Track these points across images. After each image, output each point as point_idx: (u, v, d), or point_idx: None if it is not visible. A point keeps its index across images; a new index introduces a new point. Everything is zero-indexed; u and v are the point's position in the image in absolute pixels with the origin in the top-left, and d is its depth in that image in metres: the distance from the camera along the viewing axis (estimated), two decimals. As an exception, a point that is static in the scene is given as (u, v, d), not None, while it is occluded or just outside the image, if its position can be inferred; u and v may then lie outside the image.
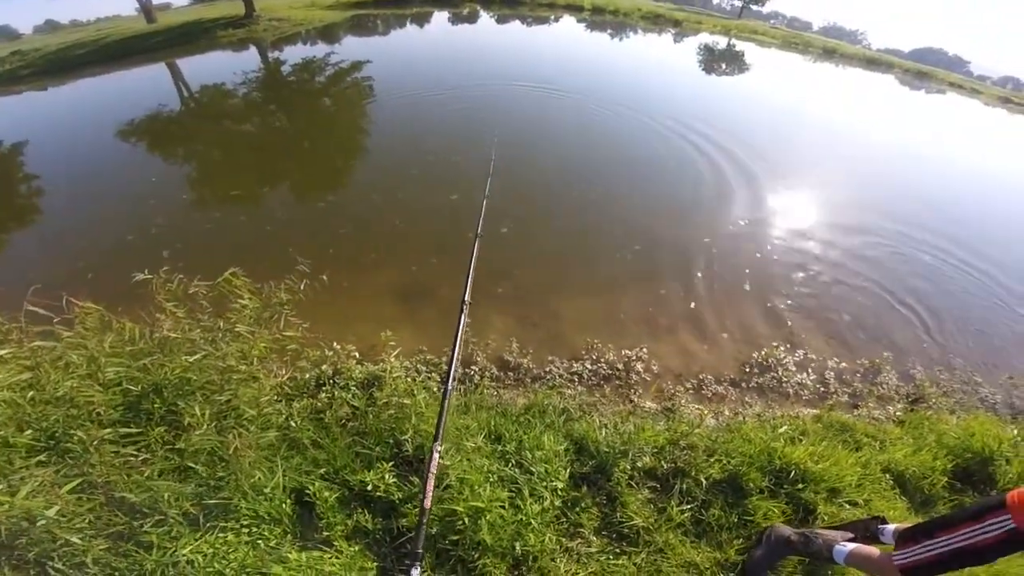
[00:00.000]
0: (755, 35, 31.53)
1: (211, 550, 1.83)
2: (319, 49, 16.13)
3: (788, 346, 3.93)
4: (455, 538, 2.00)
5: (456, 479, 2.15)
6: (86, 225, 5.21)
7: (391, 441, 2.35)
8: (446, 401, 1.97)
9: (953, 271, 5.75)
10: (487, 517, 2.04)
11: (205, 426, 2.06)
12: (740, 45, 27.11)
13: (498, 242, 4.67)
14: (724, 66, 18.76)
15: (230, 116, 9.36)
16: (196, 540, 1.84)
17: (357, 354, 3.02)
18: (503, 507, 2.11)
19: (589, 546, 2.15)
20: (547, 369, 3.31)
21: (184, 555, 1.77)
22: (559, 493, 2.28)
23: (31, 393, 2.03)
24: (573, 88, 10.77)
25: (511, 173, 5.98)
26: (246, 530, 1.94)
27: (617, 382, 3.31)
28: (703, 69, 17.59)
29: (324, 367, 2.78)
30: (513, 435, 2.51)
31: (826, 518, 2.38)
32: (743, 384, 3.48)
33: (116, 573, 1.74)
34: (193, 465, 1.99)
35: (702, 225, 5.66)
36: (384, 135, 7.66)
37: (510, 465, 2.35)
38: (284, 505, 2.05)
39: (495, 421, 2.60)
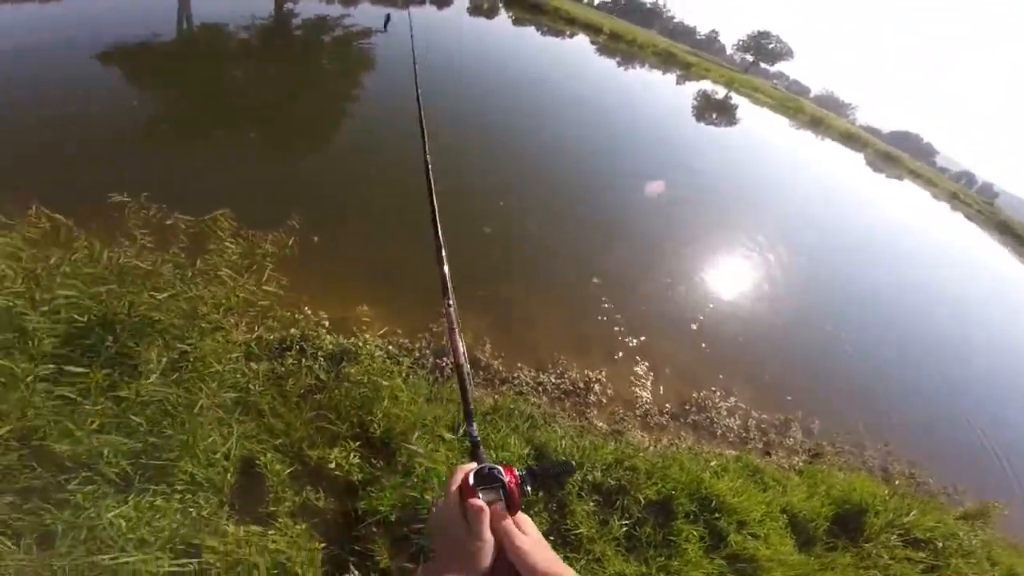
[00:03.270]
0: (754, 92, 33.17)
1: (135, 514, 1.66)
2: (334, 9, 15.67)
3: (723, 392, 4.38)
4: (419, 526, 2.05)
5: (423, 469, 2.20)
6: (51, 138, 4.75)
7: (356, 420, 2.33)
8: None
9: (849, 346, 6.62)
10: None
11: (156, 374, 1.90)
12: (737, 98, 28.28)
13: (480, 242, 4.81)
14: (714, 115, 19.53)
15: (227, 58, 8.86)
16: (123, 504, 1.67)
17: (328, 323, 2.92)
18: None
19: None
20: (515, 375, 3.43)
21: (108, 519, 1.59)
22: None
23: None
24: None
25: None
26: (178, 495, 1.78)
27: (576, 399, 3.54)
28: (694, 114, 18.26)
29: (292, 331, 2.66)
30: (479, 432, 2.51)
31: (734, 545, 2.72)
32: (681, 419, 3.88)
33: (19, 523, 1.53)
34: (135, 418, 1.80)
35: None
36: (382, 108, 7.38)
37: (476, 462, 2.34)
38: (228, 473, 1.93)
39: (461, 416, 2.59)
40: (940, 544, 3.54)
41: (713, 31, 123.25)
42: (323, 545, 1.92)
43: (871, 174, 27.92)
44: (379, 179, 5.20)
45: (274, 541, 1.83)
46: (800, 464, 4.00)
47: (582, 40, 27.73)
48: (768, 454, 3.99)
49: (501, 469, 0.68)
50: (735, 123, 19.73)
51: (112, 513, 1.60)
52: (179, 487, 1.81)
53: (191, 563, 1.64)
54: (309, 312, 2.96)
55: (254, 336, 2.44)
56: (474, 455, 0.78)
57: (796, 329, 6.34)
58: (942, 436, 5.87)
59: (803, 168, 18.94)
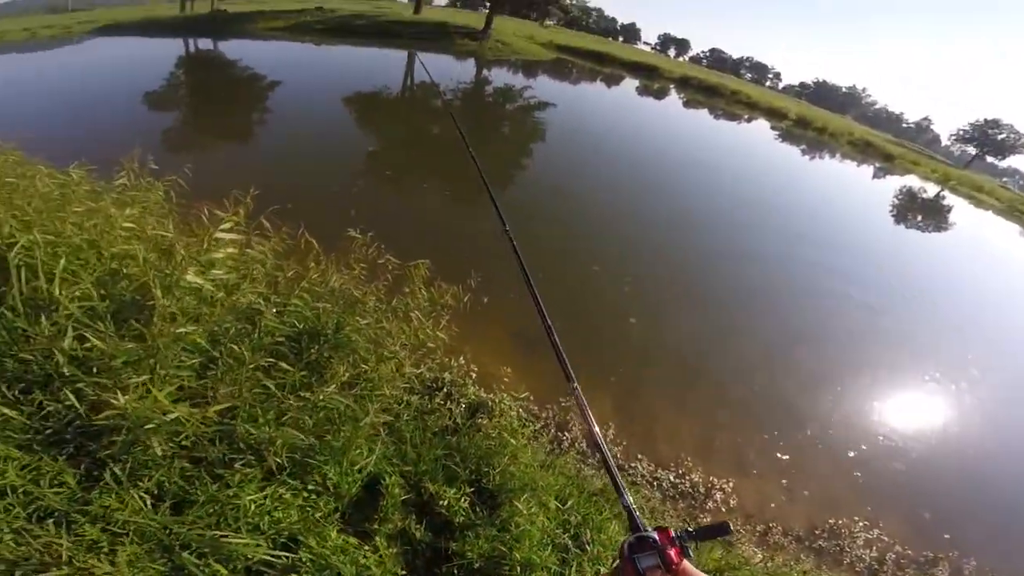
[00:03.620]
0: (976, 192, 27.32)
1: (266, 503, 1.86)
2: (519, 79, 17.68)
3: (866, 523, 3.86)
4: None
5: (516, 527, 2.26)
6: (296, 164, 6.05)
7: (475, 467, 2.50)
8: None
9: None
10: (536, 573, 2.14)
11: (334, 385, 2.21)
12: (952, 199, 23.64)
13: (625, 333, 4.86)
14: (919, 217, 16.50)
15: (432, 115, 10.55)
16: (260, 491, 1.88)
17: (475, 374, 3.12)
18: (551, 568, 2.21)
19: None
20: (632, 465, 3.42)
21: (245, 502, 1.79)
22: None
23: (220, 294, 2.27)
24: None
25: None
26: (305, 494, 1.99)
27: (692, 501, 3.41)
28: (892, 213, 15.68)
29: (446, 375, 2.89)
30: (581, 508, 2.61)
31: None
32: (806, 542, 3.52)
33: (174, 487, 1.76)
34: (308, 417, 2.09)
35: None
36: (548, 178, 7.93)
37: (568, 534, 2.44)
38: (355, 486, 2.14)
39: (570, 489, 2.72)
40: None
41: (925, 119, 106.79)
42: (405, 573, 2.02)
43: None
44: (548, 252, 5.62)
45: (365, 556, 1.93)
46: None
47: (762, 126, 25.90)
48: None
49: (655, 535, 0.74)
50: (946, 228, 16.47)
51: (249, 497, 1.81)
52: (311, 486, 2.02)
53: (286, 556, 1.76)
54: (463, 362, 3.20)
55: (419, 372, 2.67)
56: (631, 525, 0.83)
57: (981, 471, 5.19)
58: None
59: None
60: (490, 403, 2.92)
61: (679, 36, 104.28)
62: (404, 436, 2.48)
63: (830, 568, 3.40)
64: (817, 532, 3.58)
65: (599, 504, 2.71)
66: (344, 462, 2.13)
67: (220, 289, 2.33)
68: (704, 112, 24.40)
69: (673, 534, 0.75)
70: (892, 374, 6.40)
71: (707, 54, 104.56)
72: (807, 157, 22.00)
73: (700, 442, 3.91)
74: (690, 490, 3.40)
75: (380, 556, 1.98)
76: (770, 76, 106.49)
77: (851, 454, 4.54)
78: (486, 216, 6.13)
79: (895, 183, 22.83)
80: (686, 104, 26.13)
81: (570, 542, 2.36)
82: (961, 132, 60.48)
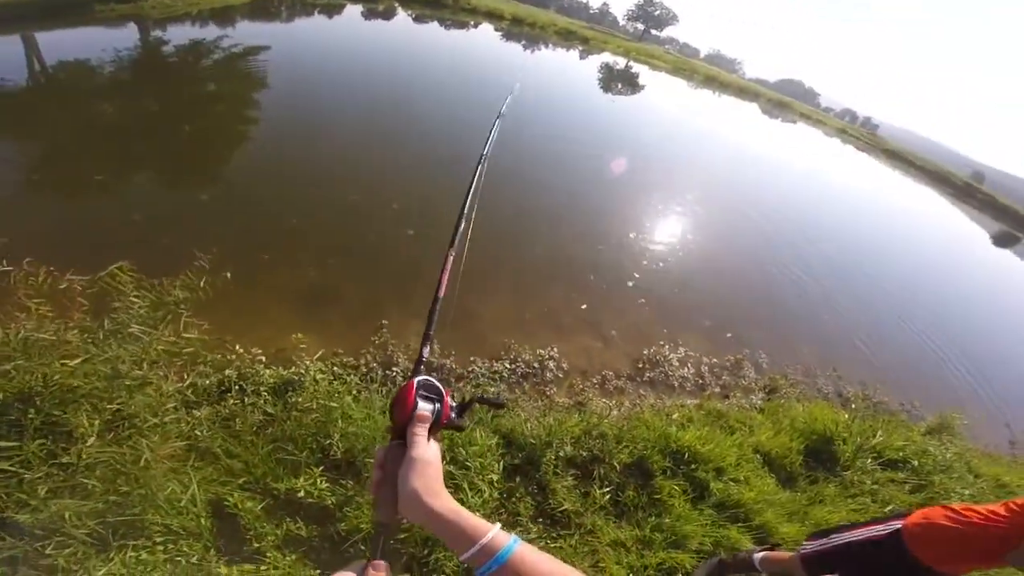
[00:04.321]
0: (651, 59, 34.90)
1: (125, 571, 1.67)
2: (210, 31, 14.53)
3: (671, 344, 4.53)
4: (403, 536, 2.05)
5: None
6: None
7: (315, 446, 2.29)
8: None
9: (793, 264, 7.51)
10: None
11: (93, 437, 1.84)
12: (636, 67, 29.41)
13: (406, 244, 4.75)
14: (620, 86, 20.30)
15: (93, 95, 8.02)
16: (108, 562, 1.67)
17: (263, 358, 2.80)
18: None
19: (529, 533, 2.32)
20: (470, 369, 3.42)
21: None
22: (495, 485, 2.42)
23: None
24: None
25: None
26: (161, 547, 1.79)
27: (534, 379, 3.57)
28: (601, 87, 18.87)
29: (227, 372, 2.53)
30: (444, 432, 2.48)
31: (717, 494, 2.79)
32: (637, 379, 3.97)
33: None
34: (86, 481, 1.78)
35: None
36: (277, 127, 7.09)
37: (446, 461, 2.42)
38: (201, 518, 1.92)
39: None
40: (916, 463, 3.61)
41: (604, 4, 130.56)
42: (318, 571, 1.91)
43: (768, 120, 30.35)
44: (282, 200, 5.01)
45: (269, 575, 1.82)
46: (759, 402, 4.12)
47: (487, 29, 28.14)
48: (727, 397, 4.13)
49: (443, 389, 0.73)
50: (640, 90, 20.53)
51: (101, 572, 1.63)
52: (158, 539, 1.80)
53: None
54: (241, 350, 2.83)
55: (187, 384, 2.30)
56: (416, 371, 0.78)
57: (726, 270, 6.70)
58: (885, 350, 6.33)
59: (708, 125, 20.07)
60: (296, 378, 2.64)
61: None
62: (215, 452, 2.15)
63: (667, 395, 3.86)
64: (640, 366, 4.05)
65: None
66: (161, 504, 1.83)
67: None
68: (435, 25, 24.56)
69: (450, 401, 0.73)
70: (641, 207, 7.80)
71: None
72: (529, 51, 24.36)
73: (515, 323, 4.10)
74: (527, 369, 3.57)
75: (282, 569, 1.85)
76: None
77: (629, 284, 5.27)
78: (204, 186, 5.14)
79: (595, 60, 27.02)
80: (416, 19, 25.66)
81: (451, 467, 2.36)
82: (630, 12, 77.58)
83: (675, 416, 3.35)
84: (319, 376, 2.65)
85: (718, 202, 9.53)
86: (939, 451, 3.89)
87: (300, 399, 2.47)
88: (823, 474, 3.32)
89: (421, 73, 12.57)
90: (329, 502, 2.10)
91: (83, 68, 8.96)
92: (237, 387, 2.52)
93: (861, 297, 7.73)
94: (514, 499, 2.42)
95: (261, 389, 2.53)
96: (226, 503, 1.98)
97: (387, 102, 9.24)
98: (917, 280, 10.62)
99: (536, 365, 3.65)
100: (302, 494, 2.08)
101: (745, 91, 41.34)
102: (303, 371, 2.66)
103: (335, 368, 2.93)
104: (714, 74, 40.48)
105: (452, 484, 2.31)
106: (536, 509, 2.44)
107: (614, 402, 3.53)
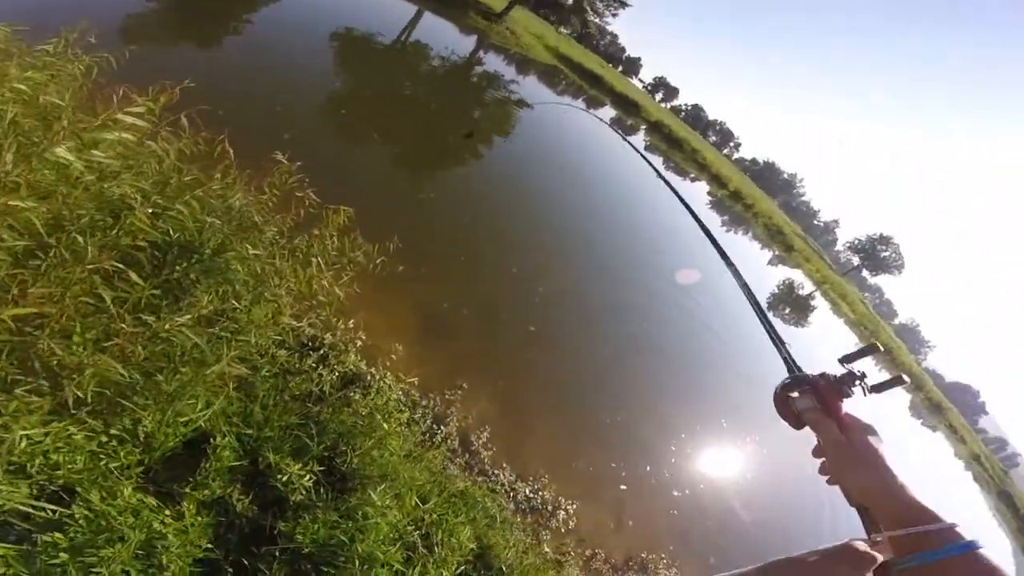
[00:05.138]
0: (841, 299, 31.70)
1: (46, 439, 1.56)
2: (510, 71, 17.32)
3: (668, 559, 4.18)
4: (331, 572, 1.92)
5: (364, 517, 2.11)
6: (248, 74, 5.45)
7: (331, 443, 2.29)
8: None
9: None
10: (375, 569, 1.99)
11: (190, 316, 1.84)
12: (819, 300, 27.18)
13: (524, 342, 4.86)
14: (787, 309, 18.71)
15: (409, 74, 10.00)
16: (43, 424, 1.57)
17: (360, 342, 2.85)
18: (393, 567, 2.09)
19: None
20: (496, 472, 3.39)
21: (16, 436, 1.46)
22: None
23: (90, 177, 1.84)
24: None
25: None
26: (106, 437, 1.70)
27: (539, 516, 3.48)
28: (768, 302, 17.60)
29: (328, 336, 2.63)
30: (439, 508, 2.56)
31: None
32: (621, 572, 3.75)
33: None
34: (139, 348, 1.73)
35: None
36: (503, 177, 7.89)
37: (419, 533, 2.35)
38: (174, 439, 1.84)
39: (432, 487, 2.64)
40: None
41: (835, 221, 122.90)
42: (210, 546, 1.77)
43: (908, 418, 25.74)
44: (473, 233, 5.63)
45: (163, 522, 1.67)
46: None
47: (702, 188, 28.53)
48: None
49: (808, 374, 0.71)
50: (804, 326, 18.76)
51: (23, 431, 1.48)
52: (114, 431, 1.71)
53: (50, 509, 1.48)
54: (352, 326, 2.95)
55: (298, 325, 2.41)
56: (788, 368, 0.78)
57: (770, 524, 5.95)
58: None
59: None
60: (369, 377, 2.71)
61: (673, 83, 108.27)
62: (256, 393, 2.20)
63: None
64: (630, 563, 3.86)
65: (457, 506, 2.66)
66: (168, 411, 1.80)
67: (93, 172, 1.90)
68: (658, 159, 25.85)
69: (833, 377, 0.69)
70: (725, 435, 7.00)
71: (688, 107, 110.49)
72: (724, 228, 24.20)
73: (560, 461, 4.06)
74: (540, 506, 3.50)
75: (183, 524, 1.72)
76: (731, 144, 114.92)
77: (675, 493, 4.96)
78: (429, 187, 5.88)
79: (783, 272, 25.68)
80: (646, 147, 27.39)
81: (420, 541, 2.26)
82: (856, 242, 65.47)
83: None
84: (390, 392, 2.63)
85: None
86: None
87: (359, 398, 2.47)
88: None
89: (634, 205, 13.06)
90: (295, 499, 2.02)
91: (423, 53, 11.31)
92: (322, 353, 2.68)
93: None
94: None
95: (337, 367, 2.62)
96: (211, 440, 1.94)
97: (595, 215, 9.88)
98: None
99: (550, 507, 3.57)
100: (284, 476, 2.03)
101: (915, 377, 35.86)
102: (379, 377, 2.68)
103: (401, 393, 3.05)
104: (894, 347, 35.97)
105: (409, 555, 2.19)
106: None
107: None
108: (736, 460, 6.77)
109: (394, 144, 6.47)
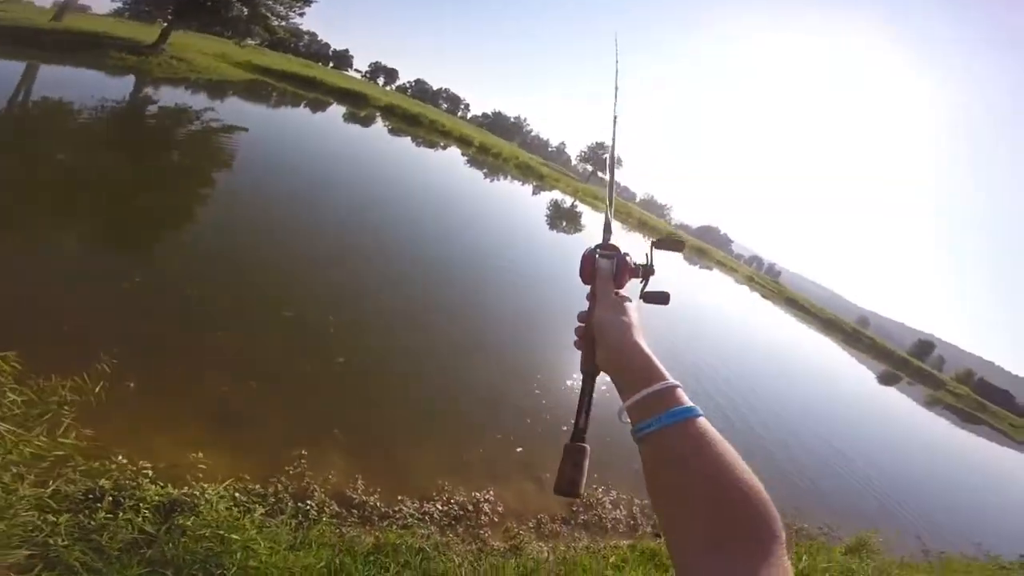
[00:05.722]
0: (594, 199, 38.51)
1: None
2: (199, 100, 14.75)
3: (604, 487, 4.45)
4: None
5: None
6: None
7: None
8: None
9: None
10: None
11: None
12: (581, 207, 32.44)
13: (333, 376, 4.33)
14: (564, 223, 22.08)
15: (56, 138, 7.60)
16: None
17: (151, 472, 2.41)
18: None
19: None
20: (396, 508, 3.12)
21: None
22: None
23: None
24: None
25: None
26: None
27: (467, 521, 3.35)
28: (548, 224, 20.24)
29: (103, 482, 2.10)
30: (359, 570, 2.31)
31: None
32: (572, 522, 3.87)
33: None
34: None
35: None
36: (228, 218, 6.70)
37: None
38: None
39: (340, 559, 2.36)
40: None
41: (562, 143, 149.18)
42: None
43: (687, 266, 34.01)
44: (212, 303, 4.55)
45: None
46: None
47: (454, 152, 30.34)
48: (658, 536, 4.07)
49: (618, 247, 0.78)
50: (581, 229, 22.19)
51: None
52: None
53: None
54: (124, 461, 2.41)
55: (47, 491, 1.86)
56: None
57: None
58: (800, 478, 6.76)
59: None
60: (188, 499, 2.23)
61: (389, 65, 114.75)
62: (72, 564, 1.77)
63: (601, 536, 3.77)
64: (575, 509, 3.97)
65: (381, 562, 2.43)
66: None
67: None
68: (407, 140, 26.23)
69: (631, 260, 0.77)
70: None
71: (412, 84, 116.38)
72: (488, 180, 26.74)
73: (449, 464, 3.92)
74: (460, 512, 3.39)
75: None
76: (462, 106, 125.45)
77: (564, 428, 5.05)
78: (143, 264, 4.68)
79: (545, 197, 29.75)
80: (391, 131, 27.37)
81: None
82: (581, 153, 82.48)
83: (611, 559, 3.31)
84: (218, 501, 2.22)
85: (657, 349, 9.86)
86: (861, 568, 4.07)
87: (190, 523, 2.08)
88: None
89: (384, 190, 12.52)
90: None
91: (61, 109, 8.64)
92: (111, 499, 2.16)
93: (771, 426, 8.34)
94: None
95: (141, 506, 2.18)
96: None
97: (342, 212, 9.00)
98: (819, 416, 11.57)
99: (471, 508, 3.47)
100: None
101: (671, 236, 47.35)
102: (198, 493, 2.24)
103: (237, 494, 2.58)
104: (646, 219, 46.30)
105: None
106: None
107: (550, 546, 3.41)
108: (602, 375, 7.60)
109: (67, 230, 4.83)
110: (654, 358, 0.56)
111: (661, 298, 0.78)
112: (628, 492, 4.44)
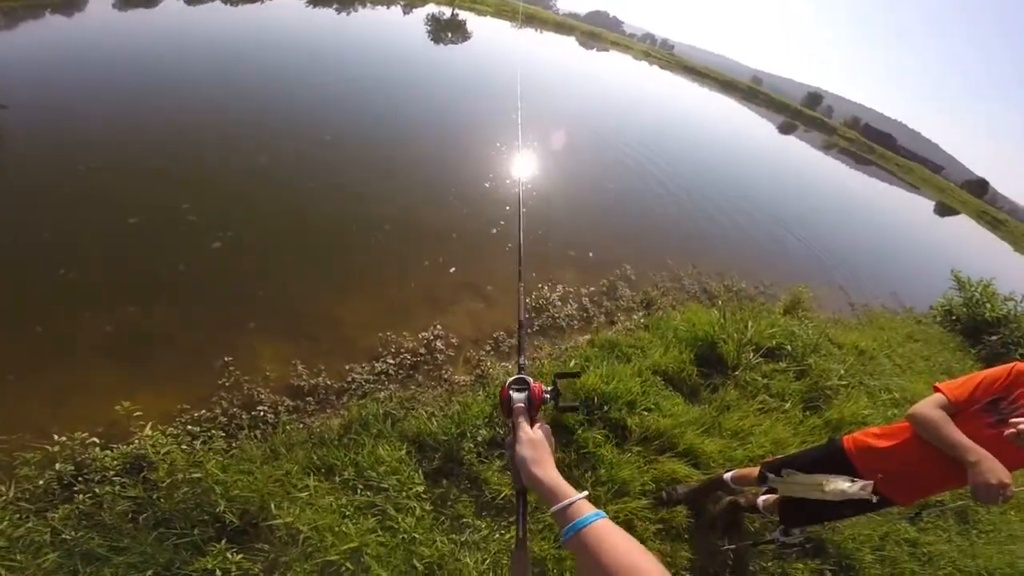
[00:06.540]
0: (474, 4, 33.16)
1: None
2: None
3: (549, 284, 4.51)
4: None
5: (310, 530, 1.99)
6: None
7: (206, 517, 1.98)
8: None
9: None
10: (369, 552, 1.99)
11: None
12: (463, 15, 28.06)
13: (216, 265, 3.76)
14: (451, 35, 19.25)
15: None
16: None
17: (96, 439, 2.21)
18: (378, 534, 2.08)
19: (479, 531, 2.29)
20: (350, 379, 3.10)
21: None
22: (423, 497, 2.34)
23: None
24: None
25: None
26: None
27: (426, 367, 3.35)
28: (432, 39, 17.67)
29: (59, 466, 2.07)
30: (344, 460, 2.44)
31: (636, 430, 2.88)
32: (528, 330, 3.93)
33: None
34: None
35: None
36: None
37: (359, 491, 2.27)
38: None
39: (317, 454, 2.44)
40: (789, 347, 3.88)
41: None
42: None
43: (585, 52, 32.17)
44: (37, 248, 3.53)
45: None
46: (642, 320, 4.26)
47: None
48: (613, 323, 4.26)
49: (530, 380, 0.92)
50: (470, 37, 19.60)
51: None
52: None
53: None
54: (63, 439, 2.13)
55: (14, 495, 1.86)
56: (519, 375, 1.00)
57: (575, 195, 6.74)
58: (728, 235, 7.24)
59: (538, 58, 20.27)
60: (144, 452, 2.11)
61: None
62: (98, 554, 1.71)
63: (560, 338, 3.78)
64: (528, 316, 3.89)
65: (353, 441, 2.37)
66: None
67: None
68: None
69: (544, 388, 0.92)
70: (486, 152, 7.20)
71: None
72: (342, 14, 21.74)
73: (384, 309, 3.69)
74: (414, 359, 3.30)
75: None
76: None
77: (494, 231, 4.96)
78: None
79: (419, 13, 24.87)
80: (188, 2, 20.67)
81: (369, 494, 2.13)
82: None
83: (572, 363, 3.37)
84: (167, 445, 2.12)
85: (562, 136, 9.60)
86: (802, 330, 4.30)
87: (157, 475, 2.03)
88: (719, 379, 3.57)
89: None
90: (256, 571, 1.85)
91: None
92: (80, 480, 2.06)
93: (691, 190, 8.94)
94: (449, 503, 2.38)
95: (109, 475, 2.09)
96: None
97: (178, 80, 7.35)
98: (728, 169, 12.76)
99: (423, 351, 3.42)
100: (219, 574, 1.82)
101: (562, 26, 44.65)
102: (149, 444, 2.14)
103: (189, 427, 2.49)
104: (532, 12, 41.75)
105: (378, 512, 2.19)
106: (476, 504, 2.40)
107: (512, 363, 3.46)
108: (517, 169, 6.88)
109: None
110: (558, 480, 0.75)
111: (572, 408, 1.00)
112: (573, 284, 4.51)
